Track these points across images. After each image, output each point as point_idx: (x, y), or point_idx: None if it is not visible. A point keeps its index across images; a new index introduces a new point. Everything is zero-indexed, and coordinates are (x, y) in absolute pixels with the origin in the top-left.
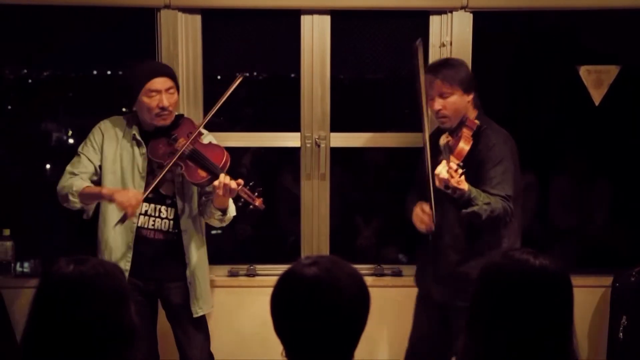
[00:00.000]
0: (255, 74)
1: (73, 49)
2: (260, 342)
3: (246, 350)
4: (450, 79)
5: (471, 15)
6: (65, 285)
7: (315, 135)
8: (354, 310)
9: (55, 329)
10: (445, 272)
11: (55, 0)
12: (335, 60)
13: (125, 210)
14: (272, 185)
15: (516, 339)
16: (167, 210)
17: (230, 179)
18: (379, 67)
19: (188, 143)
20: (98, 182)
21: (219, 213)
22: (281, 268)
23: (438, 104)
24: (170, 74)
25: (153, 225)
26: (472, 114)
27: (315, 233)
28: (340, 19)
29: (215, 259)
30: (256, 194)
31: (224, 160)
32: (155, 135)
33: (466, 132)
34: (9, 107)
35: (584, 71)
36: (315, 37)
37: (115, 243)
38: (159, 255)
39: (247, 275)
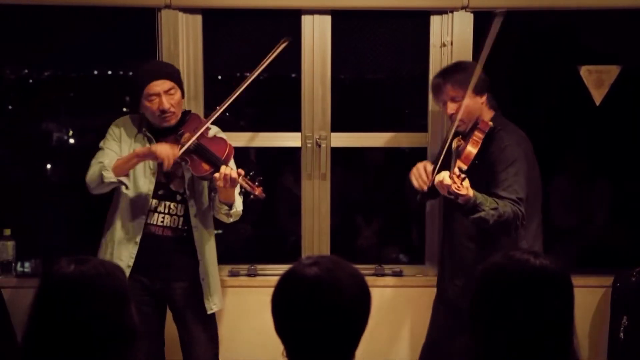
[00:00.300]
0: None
1: (74, 49)
2: (260, 342)
3: (247, 350)
4: (459, 82)
5: (472, 15)
6: (65, 285)
7: (315, 135)
8: (355, 311)
9: (56, 328)
10: (460, 271)
11: (56, 0)
12: (335, 60)
13: (162, 160)
14: (273, 186)
15: (516, 339)
16: (176, 207)
17: (231, 169)
18: (380, 67)
19: (194, 138)
20: None
21: (225, 207)
22: (282, 268)
23: (450, 108)
24: (170, 75)
25: (162, 222)
26: (487, 115)
27: (316, 233)
28: (341, 19)
29: None
30: (256, 183)
31: (226, 152)
32: (164, 133)
33: (476, 135)
34: (10, 107)
35: (584, 71)
36: (316, 37)
37: (122, 237)
38: (167, 252)
39: (248, 275)
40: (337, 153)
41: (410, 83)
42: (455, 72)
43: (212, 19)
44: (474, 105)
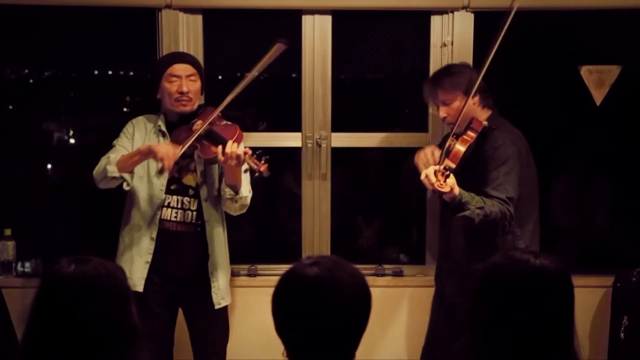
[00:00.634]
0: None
1: (74, 49)
2: (261, 342)
3: (247, 350)
4: (449, 86)
5: (472, 15)
6: (66, 285)
7: (316, 135)
8: (355, 311)
9: (56, 328)
10: (455, 269)
11: (56, 0)
12: (336, 60)
13: (161, 161)
14: (273, 186)
15: (516, 339)
16: (189, 202)
17: (237, 146)
18: (380, 67)
19: (206, 124)
20: None
21: (230, 191)
22: (282, 268)
23: (443, 111)
24: (193, 62)
25: (175, 216)
26: (484, 115)
27: (317, 233)
28: (342, 19)
29: None
30: (262, 161)
31: (236, 136)
32: (178, 125)
33: (468, 134)
34: (10, 107)
35: (585, 71)
36: (317, 37)
37: (138, 233)
38: (181, 249)
39: (248, 275)
40: (338, 153)
41: (411, 83)
42: (444, 76)
43: (213, 19)
44: (466, 107)
